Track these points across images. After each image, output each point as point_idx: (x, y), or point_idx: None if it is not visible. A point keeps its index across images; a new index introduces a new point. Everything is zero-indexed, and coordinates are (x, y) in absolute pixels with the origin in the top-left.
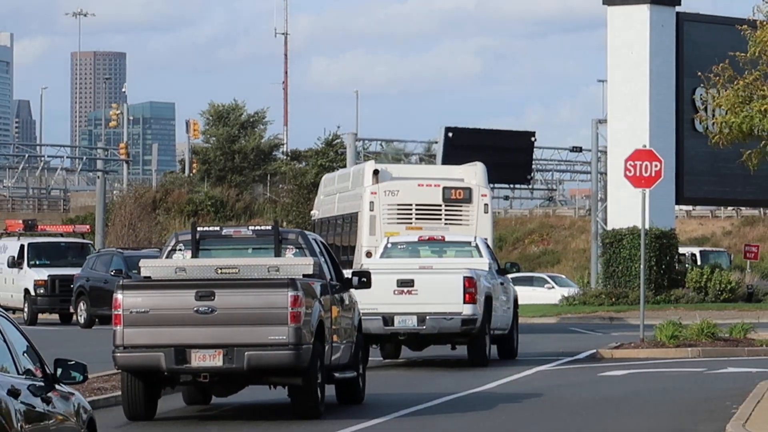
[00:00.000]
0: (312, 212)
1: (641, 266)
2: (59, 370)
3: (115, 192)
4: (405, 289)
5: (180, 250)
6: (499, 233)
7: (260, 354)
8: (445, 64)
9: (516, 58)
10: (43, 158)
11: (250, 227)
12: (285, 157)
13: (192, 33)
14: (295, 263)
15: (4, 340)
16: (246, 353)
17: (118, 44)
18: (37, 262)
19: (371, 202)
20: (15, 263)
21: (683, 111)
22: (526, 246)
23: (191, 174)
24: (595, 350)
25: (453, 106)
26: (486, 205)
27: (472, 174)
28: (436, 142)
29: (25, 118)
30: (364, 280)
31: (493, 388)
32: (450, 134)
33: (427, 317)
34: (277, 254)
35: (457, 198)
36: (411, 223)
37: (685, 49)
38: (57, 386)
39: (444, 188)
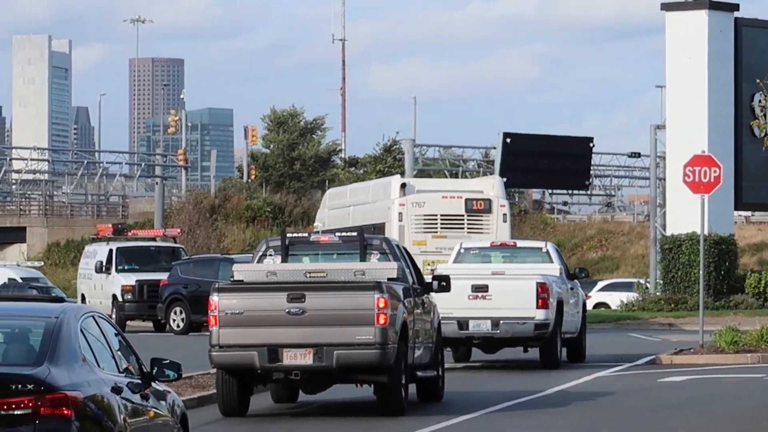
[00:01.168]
0: (315, 224)
1: (700, 272)
2: (155, 369)
3: (173, 198)
4: (479, 294)
5: (270, 255)
6: (557, 239)
7: (348, 353)
8: (503, 70)
9: (574, 64)
10: (101, 165)
11: (336, 234)
12: (343, 164)
13: (250, 39)
14: (380, 267)
15: (106, 341)
16: (335, 352)
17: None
18: (126, 267)
19: (400, 213)
20: (103, 268)
21: (742, 116)
22: (584, 252)
23: (250, 180)
24: (654, 356)
25: (511, 112)
26: (505, 215)
27: (490, 186)
28: (494, 148)
29: (83, 125)
30: (444, 284)
31: (566, 389)
32: (508, 140)
33: (501, 322)
34: (363, 259)
35: (478, 209)
36: (436, 232)
37: (743, 54)
38: (153, 383)
39: (466, 200)
